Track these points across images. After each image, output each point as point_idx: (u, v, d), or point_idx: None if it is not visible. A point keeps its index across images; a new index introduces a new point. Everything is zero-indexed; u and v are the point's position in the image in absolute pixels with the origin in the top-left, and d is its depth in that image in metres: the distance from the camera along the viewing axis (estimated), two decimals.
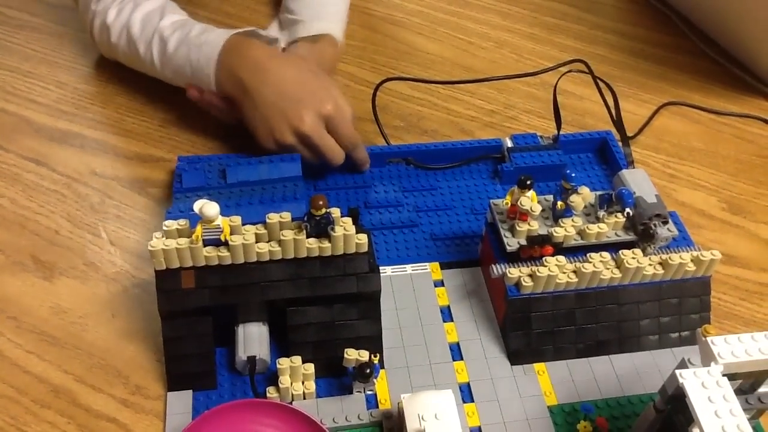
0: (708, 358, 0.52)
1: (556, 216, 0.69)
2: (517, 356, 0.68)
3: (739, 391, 0.55)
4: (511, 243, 0.68)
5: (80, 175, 0.85)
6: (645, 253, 0.69)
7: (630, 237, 0.69)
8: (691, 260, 0.68)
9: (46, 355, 0.68)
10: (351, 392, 0.65)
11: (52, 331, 0.69)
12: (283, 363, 0.63)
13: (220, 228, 0.60)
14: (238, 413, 0.60)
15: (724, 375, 0.51)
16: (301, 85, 0.79)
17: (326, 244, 0.63)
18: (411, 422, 0.56)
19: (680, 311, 0.70)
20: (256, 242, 0.62)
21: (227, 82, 0.81)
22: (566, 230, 0.68)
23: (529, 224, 0.68)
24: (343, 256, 0.64)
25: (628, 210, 0.68)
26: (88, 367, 0.67)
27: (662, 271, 0.68)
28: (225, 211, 0.68)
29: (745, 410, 0.55)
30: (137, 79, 0.98)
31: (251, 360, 0.64)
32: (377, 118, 0.90)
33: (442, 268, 0.76)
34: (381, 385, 0.66)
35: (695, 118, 0.99)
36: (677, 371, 0.51)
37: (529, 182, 0.67)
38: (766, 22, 0.98)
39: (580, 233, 0.69)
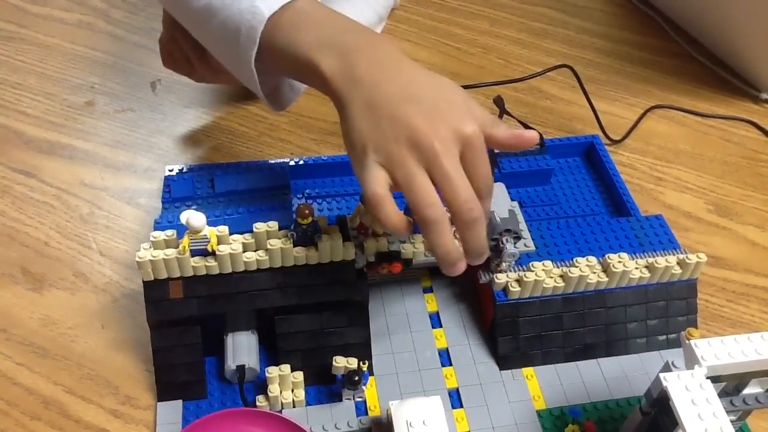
0: (692, 361, 0.52)
1: None
2: (505, 361, 0.69)
3: (723, 393, 0.56)
4: (360, 260, 0.66)
5: (69, 186, 0.85)
6: (494, 270, 0.67)
7: None
8: (677, 263, 0.69)
9: (35, 367, 0.68)
10: (340, 399, 0.65)
11: (41, 342, 0.70)
12: (272, 371, 0.63)
13: (207, 238, 0.60)
14: (226, 422, 0.60)
15: (707, 377, 0.51)
16: (440, 91, 0.56)
17: (313, 253, 0.63)
18: (399, 429, 0.56)
19: (667, 314, 0.70)
20: (244, 252, 0.62)
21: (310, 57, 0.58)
22: (415, 247, 0.66)
23: (377, 241, 0.66)
24: (330, 264, 0.64)
25: None
26: (77, 378, 0.67)
27: (648, 275, 0.68)
28: (214, 221, 0.69)
29: (730, 412, 0.56)
30: (126, 89, 0.99)
31: (240, 369, 0.64)
32: None
33: (431, 275, 0.76)
34: (370, 391, 0.66)
35: (682, 120, 0.99)
36: (661, 374, 0.51)
37: None
38: (751, 25, 0.99)
39: (430, 250, 0.66)
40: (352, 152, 0.55)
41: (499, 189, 0.68)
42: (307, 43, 0.58)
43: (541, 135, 0.87)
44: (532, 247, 0.68)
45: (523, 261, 0.68)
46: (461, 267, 0.55)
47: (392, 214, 0.53)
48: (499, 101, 0.88)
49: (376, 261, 0.67)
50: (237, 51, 0.62)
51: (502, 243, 0.65)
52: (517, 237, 0.66)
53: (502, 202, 0.67)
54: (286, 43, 0.59)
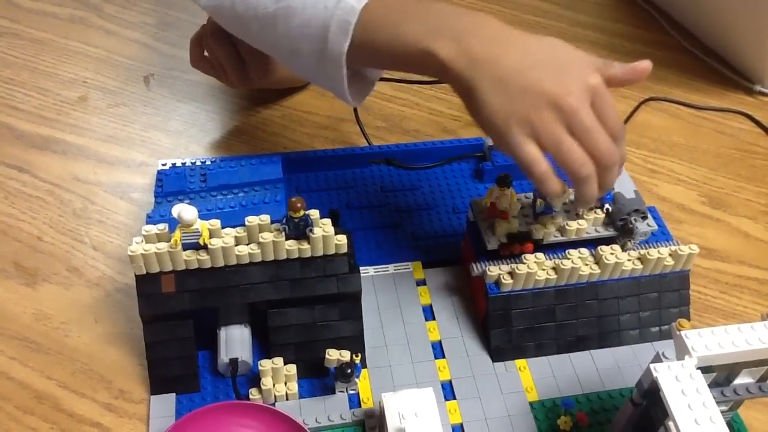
0: (682, 351, 0.52)
1: (535, 213, 0.70)
2: (498, 353, 0.69)
3: (714, 384, 0.56)
4: (492, 241, 0.68)
5: (62, 181, 0.85)
6: (624, 248, 0.69)
7: (609, 233, 0.70)
8: (669, 255, 0.69)
9: (29, 362, 0.68)
10: (334, 392, 0.65)
11: (35, 337, 0.70)
12: (265, 365, 0.63)
13: (198, 232, 0.60)
14: (219, 415, 0.60)
15: (698, 368, 0.51)
16: (555, 52, 0.59)
17: (305, 246, 0.63)
18: (391, 421, 0.56)
19: (660, 305, 0.71)
20: (236, 245, 0.62)
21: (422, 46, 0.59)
22: (546, 227, 0.68)
23: (508, 222, 0.68)
24: (322, 258, 0.64)
25: (607, 206, 0.69)
26: (71, 372, 0.67)
27: (641, 266, 0.68)
28: (206, 215, 0.68)
29: (721, 402, 0.56)
30: (119, 84, 0.98)
31: (233, 362, 0.64)
32: (359, 119, 0.90)
33: (424, 267, 0.76)
34: (363, 384, 0.66)
35: (676, 113, 0.99)
36: (651, 365, 0.51)
37: (508, 180, 0.68)
38: (745, 17, 0.99)
39: (560, 230, 0.69)
40: (492, 128, 0.57)
41: (621, 172, 0.69)
42: (413, 32, 0.60)
43: None
44: (654, 226, 0.69)
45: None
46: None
47: (558, 186, 0.58)
48: None
49: (508, 242, 0.68)
50: (324, 48, 0.63)
51: (632, 223, 0.67)
52: (644, 216, 0.68)
53: (626, 184, 0.70)
54: (387, 36, 0.61)
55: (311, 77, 0.70)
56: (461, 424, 0.64)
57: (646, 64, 0.60)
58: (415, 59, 0.61)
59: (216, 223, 0.62)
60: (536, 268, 0.67)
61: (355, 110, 0.90)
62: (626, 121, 0.96)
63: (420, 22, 0.60)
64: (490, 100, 0.57)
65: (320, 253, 0.64)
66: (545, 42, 0.59)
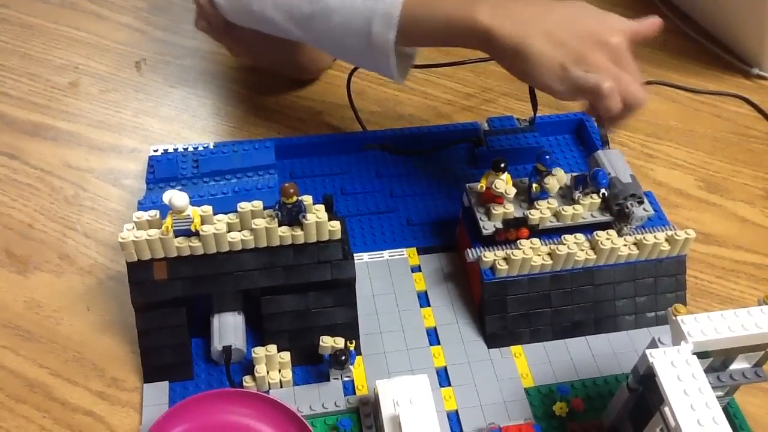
0: (678, 337, 0.52)
1: (531, 198, 0.69)
2: (493, 339, 0.68)
3: (710, 369, 0.56)
4: (487, 226, 0.68)
5: (54, 168, 0.84)
6: (621, 234, 0.69)
7: (606, 218, 0.70)
8: (666, 240, 0.68)
9: (21, 350, 0.67)
10: (328, 379, 0.65)
11: (27, 325, 0.69)
12: (259, 352, 0.63)
13: (190, 218, 0.60)
14: (212, 403, 0.60)
15: (694, 353, 0.51)
16: (587, 8, 0.65)
17: (299, 232, 0.62)
18: (386, 407, 0.56)
19: (656, 291, 0.70)
20: (228, 231, 0.61)
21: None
22: (542, 212, 0.68)
23: (504, 207, 0.68)
24: (316, 244, 0.64)
25: (603, 191, 0.69)
26: (63, 360, 0.67)
27: (637, 252, 0.68)
28: (198, 201, 0.68)
29: (717, 387, 0.56)
30: (110, 69, 0.97)
31: (227, 350, 0.64)
32: (353, 104, 0.89)
33: (419, 254, 0.76)
34: (358, 371, 0.66)
35: (673, 97, 0.99)
36: (647, 351, 0.51)
37: (502, 165, 0.67)
38: (743, 1, 0.98)
39: (556, 215, 0.69)
40: (548, 74, 0.62)
41: (618, 156, 0.71)
42: (453, 7, 0.63)
43: (535, 106, 0.86)
44: (651, 210, 0.69)
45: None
46: None
47: (620, 104, 0.62)
48: None
49: (504, 227, 0.68)
50: (369, 41, 0.66)
51: (628, 207, 0.67)
52: (640, 201, 0.68)
53: (622, 169, 0.69)
54: (427, 15, 0.64)
55: (358, 64, 0.73)
56: (456, 411, 0.63)
57: (655, 18, 0.67)
58: (457, 30, 0.63)
59: (208, 209, 0.61)
60: (532, 253, 0.66)
61: (350, 95, 0.89)
62: None
63: None
64: (544, 49, 0.61)
65: (314, 239, 0.63)
66: (574, 3, 0.65)
